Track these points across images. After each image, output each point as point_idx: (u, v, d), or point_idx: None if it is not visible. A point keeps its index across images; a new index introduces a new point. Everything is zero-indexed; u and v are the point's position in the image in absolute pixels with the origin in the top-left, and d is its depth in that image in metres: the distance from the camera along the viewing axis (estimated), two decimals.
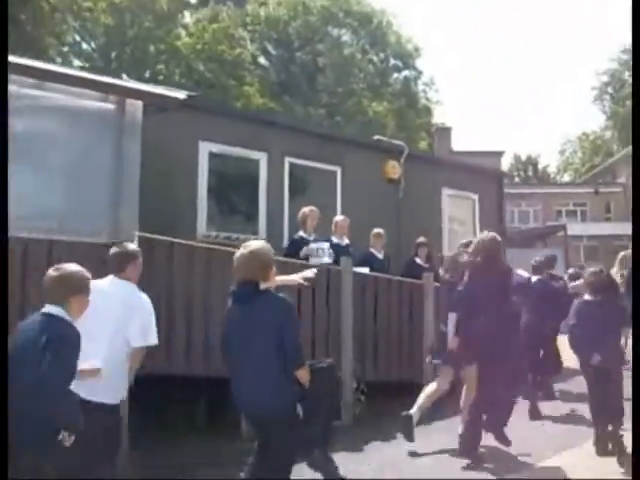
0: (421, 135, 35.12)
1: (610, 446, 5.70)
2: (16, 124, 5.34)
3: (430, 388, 6.48)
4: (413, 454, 6.06)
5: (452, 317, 6.09)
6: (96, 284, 4.03)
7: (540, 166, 59.75)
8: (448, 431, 6.41)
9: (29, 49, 17.92)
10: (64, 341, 3.49)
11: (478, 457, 5.76)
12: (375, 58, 36.15)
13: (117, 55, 30.00)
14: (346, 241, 8.62)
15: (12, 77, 5.08)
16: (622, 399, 5.77)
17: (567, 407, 7.76)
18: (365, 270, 8.21)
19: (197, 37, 30.39)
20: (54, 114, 6.01)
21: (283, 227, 9.49)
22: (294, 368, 4.06)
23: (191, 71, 29.53)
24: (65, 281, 3.67)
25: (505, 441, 6.02)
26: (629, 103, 43.79)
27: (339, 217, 8.91)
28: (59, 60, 25.94)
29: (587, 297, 6.02)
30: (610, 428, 5.73)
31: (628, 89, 44.96)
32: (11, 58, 5.01)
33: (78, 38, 30.59)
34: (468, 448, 5.81)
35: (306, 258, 7.86)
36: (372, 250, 9.01)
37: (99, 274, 4.32)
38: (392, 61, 36.64)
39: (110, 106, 6.29)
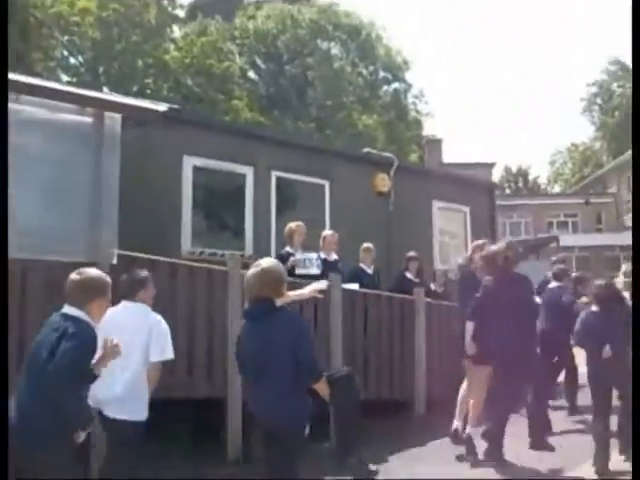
0: (411, 147, 34.98)
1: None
2: None
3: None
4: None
5: (470, 326, 6.26)
6: (109, 310, 4.17)
7: (530, 177, 59.86)
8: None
9: (16, 64, 17.69)
10: (79, 338, 3.60)
11: (503, 460, 5.88)
12: (364, 71, 36.09)
13: (105, 69, 29.76)
14: (334, 256, 8.39)
15: None
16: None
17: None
18: (355, 286, 8.00)
19: (185, 51, 30.20)
20: (29, 128, 5.78)
21: (270, 243, 9.28)
22: (312, 382, 4.05)
23: (179, 85, 29.32)
24: (87, 284, 3.82)
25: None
26: (618, 114, 44.13)
27: (327, 232, 8.68)
28: (46, 75, 25.73)
29: (594, 308, 6.10)
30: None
31: (617, 100, 45.30)
32: None
33: (65, 53, 30.39)
34: (494, 452, 5.93)
35: (292, 270, 7.49)
36: (362, 265, 8.81)
37: None
38: (382, 74, 36.60)
39: (87, 119, 6.10)
